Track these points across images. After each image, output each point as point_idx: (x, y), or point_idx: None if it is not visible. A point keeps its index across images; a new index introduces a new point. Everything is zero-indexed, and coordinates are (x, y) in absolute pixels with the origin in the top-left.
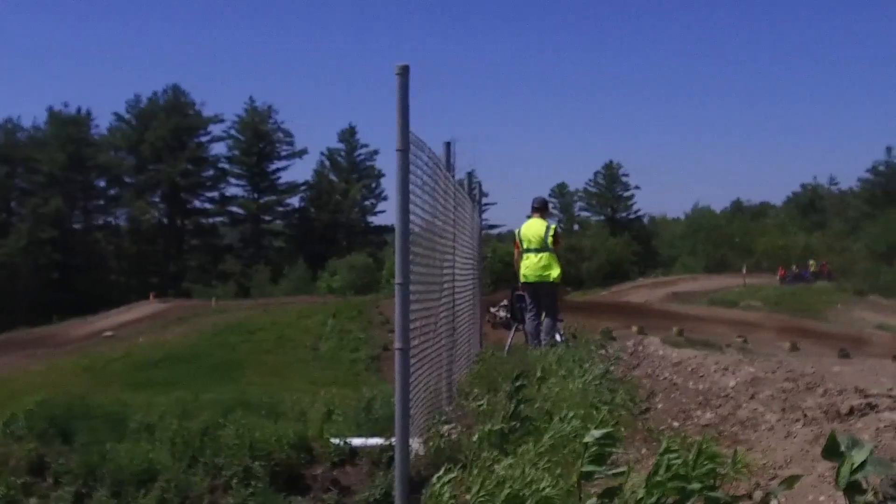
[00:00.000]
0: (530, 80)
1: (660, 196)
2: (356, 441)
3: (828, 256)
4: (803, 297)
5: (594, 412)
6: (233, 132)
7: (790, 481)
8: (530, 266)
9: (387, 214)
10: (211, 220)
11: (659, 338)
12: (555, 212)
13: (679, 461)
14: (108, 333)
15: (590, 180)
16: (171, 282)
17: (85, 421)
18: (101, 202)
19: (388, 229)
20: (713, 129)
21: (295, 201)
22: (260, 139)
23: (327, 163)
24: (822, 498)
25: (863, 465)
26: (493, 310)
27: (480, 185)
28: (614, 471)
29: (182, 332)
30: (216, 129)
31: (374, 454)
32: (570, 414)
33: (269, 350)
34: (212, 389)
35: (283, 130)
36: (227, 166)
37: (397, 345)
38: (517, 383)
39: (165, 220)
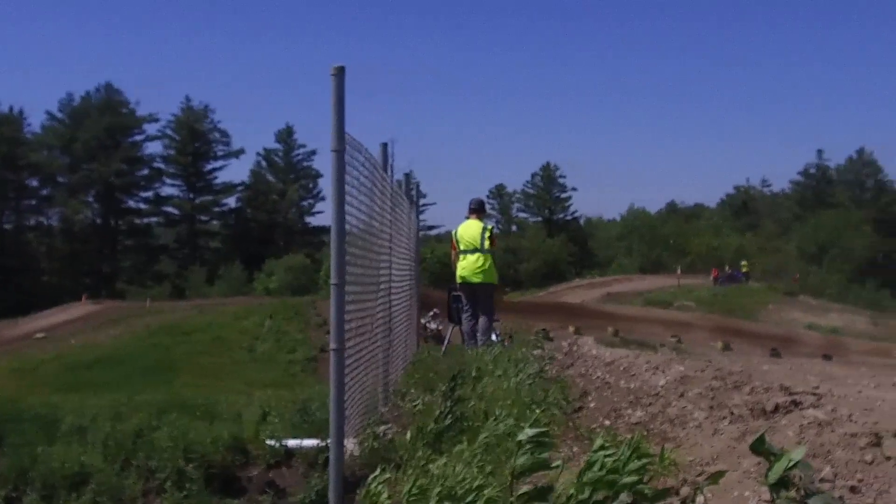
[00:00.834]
0: (469, 81)
1: (596, 198)
2: (292, 442)
3: (760, 257)
4: (736, 297)
5: (528, 411)
6: (168, 131)
7: (716, 477)
8: (467, 267)
9: (324, 215)
10: (145, 221)
11: (593, 338)
12: (493, 213)
13: (611, 458)
14: (40, 335)
15: (527, 182)
16: (105, 283)
17: (15, 423)
18: (34, 202)
19: (326, 230)
20: (649, 132)
21: (231, 201)
22: (196, 139)
23: (264, 163)
24: (746, 493)
25: (795, 465)
26: (423, 321)
27: (418, 186)
28: (547, 469)
29: (115, 334)
30: (151, 129)
31: (310, 455)
32: (504, 413)
33: (204, 352)
34: (146, 391)
35: (219, 130)
36: (162, 166)
37: (332, 345)
38: (452, 383)
39: (99, 221)
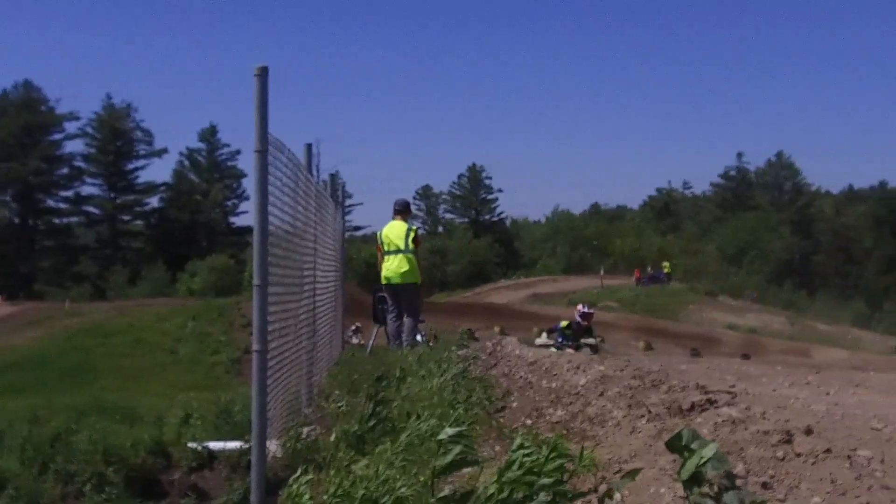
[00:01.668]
0: (397, 82)
1: (522, 199)
2: (214, 445)
3: (681, 258)
4: (658, 298)
5: (451, 411)
6: (89, 130)
7: (632, 474)
8: (391, 268)
9: (249, 215)
10: (65, 220)
11: (517, 338)
12: (420, 214)
13: (530, 458)
14: None
15: (454, 183)
16: (23, 283)
17: None
18: None
19: (250, 230)
20: (573, 134)
21: (154, 201)
22: (118, 138)
23: (187, 162)
24: (662, 490)
25: (707, 461)
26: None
27: (344, 187)
28: (468, 467)
29: (33, 336)
30: (71, 127)
31: (233, 458)
32: (428, 413)
33: (126, 354)
34: (65, 395)
35: (142, 129)
36: (83, 165)
37: (255, 347)
38: (376, 384)
39: (17, 220)
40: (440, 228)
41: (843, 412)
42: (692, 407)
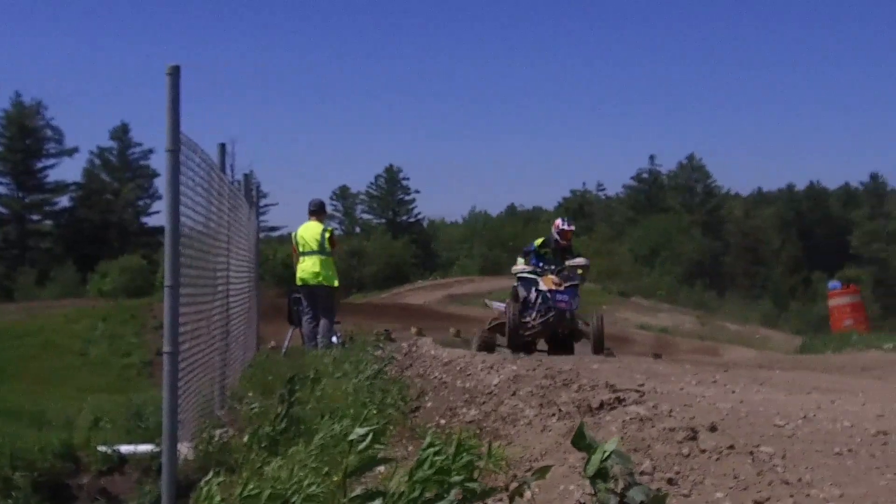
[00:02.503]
0: (313, 82)
1: (439, 200)
2: (125, 448)
3: (595, 259)
4: None
5: (365, 412)
6: None
7: (542, 472)
8: (307, 269)
9: (161, 215)
10: None
11: (433, 338)
12: (337, 214)
13: (441, 456)
14: None
15: (371, 183)
16: None
17: None
18: None
19: (163, 230)
20: (490, 135)
21: (64, 201)
22: (27, 136)
23: (98, 161)
24: (571, 487)
25: (609, 456)
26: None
27: (259, 187)
28: (379, 466)
29: None
30: None
31: (144, 461)
32: (342, 414)
33: (33, 356)
34: None
35: (52, 127)
36: None
37: (166, 348)
38: (290, 385)
39: None
40: (357, 229)
41: (748, 410)
42: (601, 405)
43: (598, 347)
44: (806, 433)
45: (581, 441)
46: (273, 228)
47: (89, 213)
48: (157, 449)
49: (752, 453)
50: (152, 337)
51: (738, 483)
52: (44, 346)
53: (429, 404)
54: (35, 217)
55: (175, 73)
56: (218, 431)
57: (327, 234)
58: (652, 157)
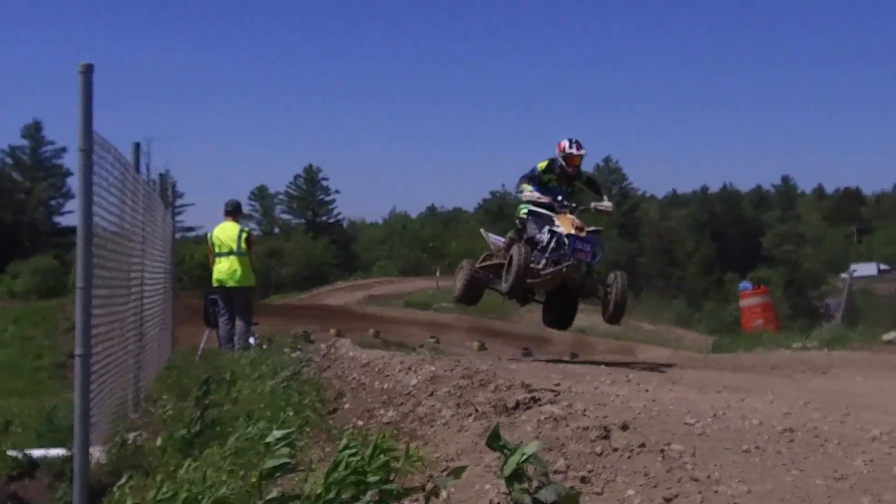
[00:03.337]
0: (231, 81)
1: (360, 200)
2: (36, 452)
3: None
4: (492, 298)
5: (282, 414)
6: None
7: (458, 472)
8: (223, 270)
9: (75, 215)
10: None
11: (352, 339)
12: (255, 214)
13: (357, 457)
14: None
15: (290, 183)
16: None
17: None
18: None
19: (76, 231)
20: (411, 136)
21: None
22: None
23: (9, 160)
24: (487, 486)
25: (528, 458)
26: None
27: (174, 187)
28: (295, 470)
29: None
30: None
31: (56, 465)
32: (258, 416)
33: None
34: None
35: None
36: None
37: (78, 351)
38: (204, 388)
39: None
40: (276, 229)
41: (660, 408)
42: (517, 405)
43: (617, 315)
44: (715, 431)
45: (495, 442)
46: (190, 229)
47: (0, 213)
48: (70, 453)
49: (662, 451)
50: (64, 339)
51: (648, 481)
52: None
53: (346, 406)
54: None
55: (87, 71)
56: (132, 435)
57: (244, 235)
58: None
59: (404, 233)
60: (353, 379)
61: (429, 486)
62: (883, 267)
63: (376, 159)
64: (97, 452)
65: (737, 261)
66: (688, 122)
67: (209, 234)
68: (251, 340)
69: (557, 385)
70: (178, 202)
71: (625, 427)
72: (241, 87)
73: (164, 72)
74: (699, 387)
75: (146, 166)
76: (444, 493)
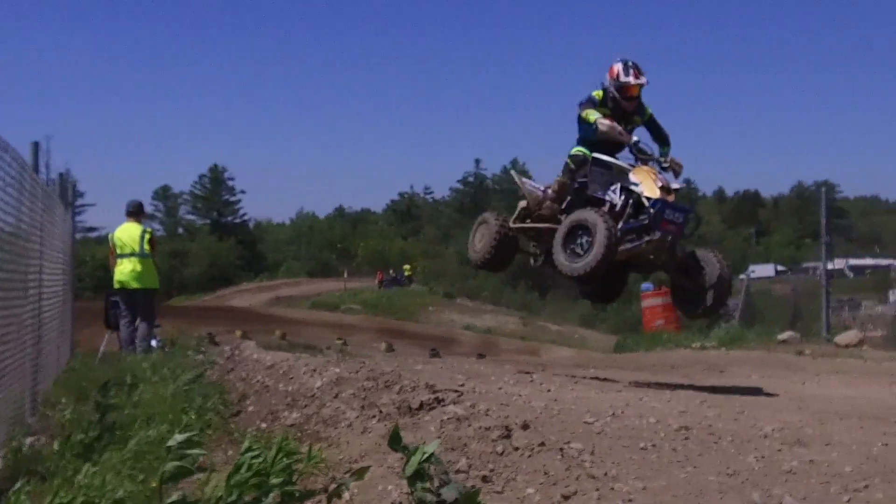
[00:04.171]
0: (133, 80)
1: (266, 201)
2: None
3: (422, 261)
4: (399, 299)
5: (184, 417)
6: None
7: (360, 473)
8: (125, 271)
9: None
10: None
11: (257, 342)
12: (158, 215)
13: (259, 460)
14: None
15: (195, 183)
16: None
17: None
18: None
19: None
20: (318, 137)
21: None
22: None
23: None
24: (389, 487)
25: (430, 457)
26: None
27: (75, 186)
28: (196, 473)
29: None
30: None
31: None
32: (159, 420)
33: None
34: None
35: None
36: None
37: None
38: (105, 391)
39: None
40: (180, 230)
41: (561, 408)
42: (421, 406)
43: (720, 302)
44: (614, 429)
45: (396, 443)
46: (91, 229)
47: None
48: None
49: (562, 450)
50: None
51: (547, 479)
52: None
53: (250, 408)
54: None
55: None
56: (29, 439)
57: (147, 236)
58: (477, 161)
59: (312, 233)
60: (258, 381)
61: (331, 487)
62: (780, 268)
63: (283, 159)
64: None
65: None
66: None
67: (110, 235)
68: (153, 343)
69: (462, 386)
70: (79, 202)
71: (525, 426)
72: (146, 86)
73: (65, 71)
74: (600, 386)
75: (45, 165)
76: (346, 494)
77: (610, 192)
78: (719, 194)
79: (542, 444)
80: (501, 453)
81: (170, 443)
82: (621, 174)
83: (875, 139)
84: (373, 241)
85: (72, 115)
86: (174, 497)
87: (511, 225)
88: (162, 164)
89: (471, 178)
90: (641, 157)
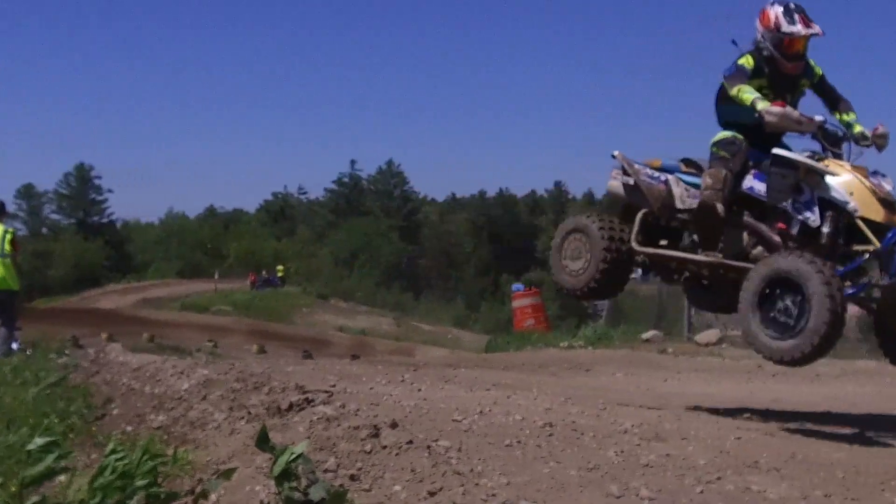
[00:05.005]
0: None
1: (134, 200)
2: None
3: (296, 262)
4: (272, 301)
5: (45, 421)
6: None
7: (227, 474)
8: None
9: None
10: None
11: (124, 344)
12: (20, 214)
13: (124, 462)
14: None
15: (60, 182)
16: None
17: None
18: None
19: None
20: (187, 136)
21: None
22: None
23: None
24: (257, 488)
25: (297, 457)
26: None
27: None
28: (58, 476)
29: None
30: None
31: None
32: (20, 424)
33: None
34: None
35: None
36: None
37: None
38: None
39: None
40: (44, 230)
41: (430, 406)
42: (290, 407)
43: None
44: (481, 427)
45: (264, 443)
46: None
47: None
48: None
49: (429, 447)
50: None
51: (414, 476)
52: None
53: (115, 412)
54: None
55: None
56: None
57: (8, 237)
58: (353, 162)
59: (182, 234)
60: (123, 384)
61: (198, 488)
62: None
63: (152, 158)
64: None
65: (512, 263)
66: (466, 127)
67: None
68: (14, 346)
69: (333, 386)
70: None
71: (394, 425)
72: (6, 80)
73: None
74: (470, 385)
75: None
76: (213, 496)
77: (802, 199)
78: (588, 197)
79: (410, 442)
80: (370, 452)
81: (30, 447)
82: (812, 177)
83: None
84: (245, 242)
85: None
86: (34, 499)
87: (636, 248)
88: (25, 161)
89: (346, 179)
90: (832, 145)
